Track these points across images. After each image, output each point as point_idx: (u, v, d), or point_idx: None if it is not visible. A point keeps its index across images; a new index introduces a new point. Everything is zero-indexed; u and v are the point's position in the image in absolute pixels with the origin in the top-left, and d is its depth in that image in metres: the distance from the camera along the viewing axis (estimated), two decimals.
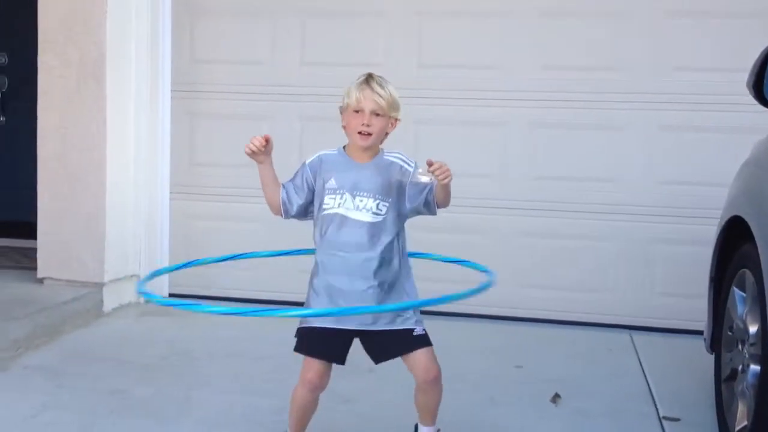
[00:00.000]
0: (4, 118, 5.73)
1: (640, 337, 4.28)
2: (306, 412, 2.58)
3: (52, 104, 4.44)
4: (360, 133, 2.45)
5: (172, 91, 4.80)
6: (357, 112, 2.45)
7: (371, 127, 2.44)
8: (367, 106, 2.43)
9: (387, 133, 2.52)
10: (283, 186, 2.54)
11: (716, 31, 4.30)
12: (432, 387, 2.53)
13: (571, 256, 4.51)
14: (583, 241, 4.51)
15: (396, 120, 2.51)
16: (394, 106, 2.47)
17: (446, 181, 2.36)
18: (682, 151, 4.36)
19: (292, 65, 4.76)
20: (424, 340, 2.51)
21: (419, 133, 4.51)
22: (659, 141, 4.39)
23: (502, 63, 4.53)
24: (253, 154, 2.47)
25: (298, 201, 2.52)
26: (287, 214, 2.55)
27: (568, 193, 4.49)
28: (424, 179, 2.45)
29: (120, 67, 4.51)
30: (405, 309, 2.49)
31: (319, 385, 2.51)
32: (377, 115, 2.44)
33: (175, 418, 3.04)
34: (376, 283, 2.46)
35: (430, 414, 2.61)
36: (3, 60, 5.71)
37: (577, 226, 4.51)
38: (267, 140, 2.47)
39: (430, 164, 2.35)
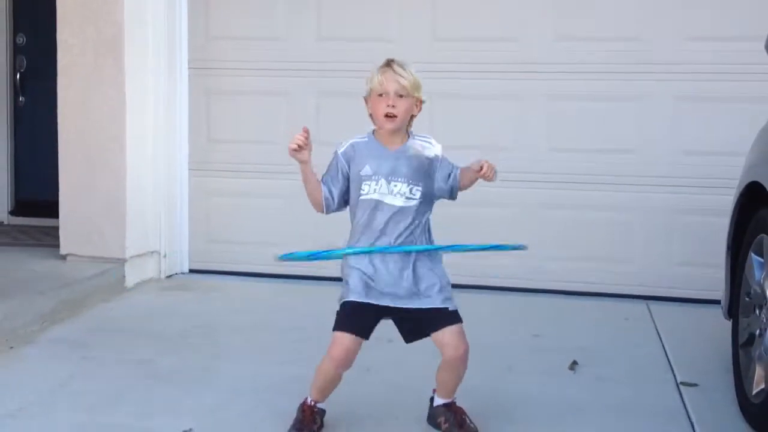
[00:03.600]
0: (24, 98, 5.78)
1: (657, 307, 4.30)
2: (329, 385, 2.63)
3: (71, 83, 4.48)
4: (386, 115, 2.51)
5: (189, 68, 4.83)
6: (381, 95, 2.52)
7: (396, 108, 2.50)
8: (391, 87, 2.50)
9: (413, 116, 2.59)
10: (323, 182, 2.60)
11: (734, 1, 4.28)
12: (460, 364, 2.58)
13: (589, 228, 4.53)
14: (601, 212, 4.53)
15: (420, 101, 2.58)
16: (416, 86, 2.54)
17: (489, 179, 2.50)
18: (700, 121, 4.35)
19: (308, 41, 4.77)
20: (455, 317, 2.56)
21: (434, 108, 4.45)
22: (678, 111, 4.38)
23: (517, 35, 4.53)
24: (297, 151, 2.51)
25: (337, 194, 2.59)
26: (329, 209, 2.62)
27: (586, 164, 4.50)
28: (448, 164, 2.61)
29: (137, 45, 4.54)
30: (442, 250, 2.61)
31: (346, 363, 2.55)
32: (401, 96, 2.51)
33: (199, 386, 3.10)
34: (408, 263, 2.52)
35: (450, 389, 2.67)
36: (21, 40, 5.75)
37: (596, 197, 4.52)
38: (307, 133, 2.52)
39: (479, 169, 2.48)
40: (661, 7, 4.38)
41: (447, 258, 2.69)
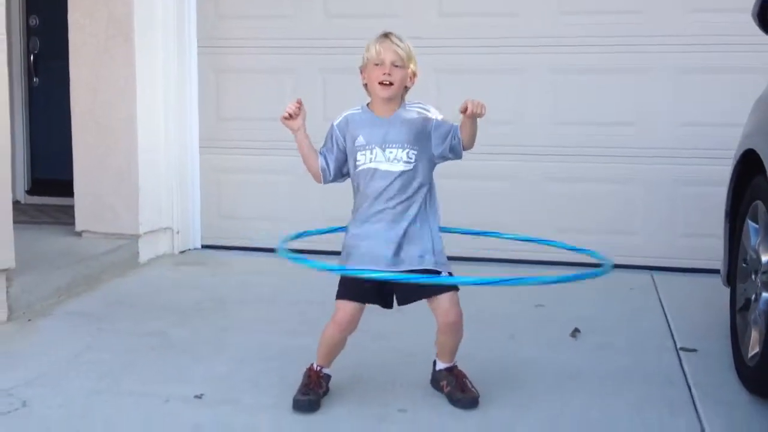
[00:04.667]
0: (38, 79, 5.88)
1: (661, 277, 4.36)
2: (333, 349, 2.72)
3: (83, 62, 4.57)
4: (381, 83, 2.57)
5: (198, 47, 4.91)
6: (377, 65, 2.58)
7: (392, 77, 2.57)
8: (388, 57, 2.56)
9: (407, 88, 2.65)
10: (320, 153, 2.68)
11: None
12: (451, 329, 2.66)
13: (593, 200, 4.58)
14: (606, 184, 4.58)
15: (414, 74, 2.63)
16: (411, 58, 2.60)
17: (483, 113, 2.49)
18: (702, 93, 4.38)
19: (315, 18, 4.83)
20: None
21: (441, 82, 4.58)
22: (680, 84, 4.42)
23: (521, 9, 4.57)
24: (288, 120, 2.60)
25: (333, 165, 2.67)
26: (326, 180, 2.70)
27: (590, 137, 4.55)
28: (445, 125, 2.62)
29: (147, 25, 4.62)
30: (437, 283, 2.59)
31: (348, 327, 2.65)
32: (396, 66, 2.57)
33: (209, 355, 3.20)
34: (402, 229, 2.58)
35: (448, 353, 2.75)
36: (34, 22, 5.84)
37: (600, 170, 4.58)
38: (299, 103, 2.61)
39: (464, 109, 2.49)
40: None
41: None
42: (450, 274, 2.64)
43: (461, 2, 4.65)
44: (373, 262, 2.58)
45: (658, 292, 4.11)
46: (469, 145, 2.62)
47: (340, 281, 2.65)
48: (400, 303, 2.71)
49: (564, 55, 4.53)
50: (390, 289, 2.65)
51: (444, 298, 2.60)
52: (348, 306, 2.61)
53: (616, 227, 4.58)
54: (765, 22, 2.76)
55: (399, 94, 2.63)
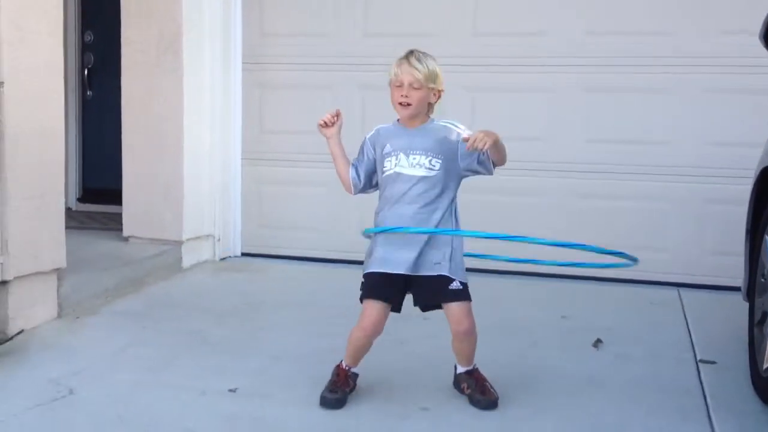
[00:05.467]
0: (91, 93, 6.16)
1: (688, 294, 4.43)
2: (359, 351, 2.87)
3: (135, 77, 4.81)
4: (401, 104, 2.73)
5: (243, 63, 5.13)
6: (397, 86, 2.73)
7: (409, 98, 2.72)
8: (405, 79, 2.71)
9: (431, 104, 2.79)
10: (353, 165, 2.85)
11: None
12: (464, 337, 2.81)
13: (622, 217, 4.68)
14: (634, 201, 4.67)
15: (438, 91, 2.76)
16: (431, 78, 2.72)
17: (486, 147, 2.60)
18: (730, 112, 4.47)
19: (354, 37, 5.02)
20: (460, 295, 2.76)
21: (475, 101, 4.74)
22: (707, 103, 4.51)
23: (551, 29, 4.70)
24: (324, 127, 2.80)
25: (364, 176, 2.84)
26: (356, 190, 2.87)
27: (619, 155, 4.65)
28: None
29: (195, 42, 4.85)
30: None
31: (374, 331, 2.80)
32: (415, 88, 2.70)
33: (245, 353, 3.38)
34: (426, 236, 2.72)
35: (465, 358, 2.90)
36: (89, 38, 6.12)
37: (629, 187, 4.67)
38: (338, 114, 2.80)
39: (465, 140, 2.61)
40: (689, 1, 4.51)
41: (488, 243, 2.86)
42: (464, 284, 2.77)
43: (494, 22, 4.80)
44: (394, 264, 2.72)
45: (683, 308, 4.18)
46: (499, 163, 2.75)
47: (363, 283, 2.80)
48: (422, 309, 2.86)
49: (593, 75, 4.65)
50: (406, 291, 2.79)
51: (457, 308, 2.75)
52: (372, 307, 2.76)
53: (644, 243, 4.64)
54: None
55: (421, 111, 2.77)
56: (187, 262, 4.86)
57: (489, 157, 2.72)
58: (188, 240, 4.88)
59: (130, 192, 4.90)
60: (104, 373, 3.13)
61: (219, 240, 5.13)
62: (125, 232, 4.91)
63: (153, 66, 4.78)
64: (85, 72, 6.13)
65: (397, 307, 2.82)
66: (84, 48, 6.14)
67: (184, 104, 4.79)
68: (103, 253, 4.59)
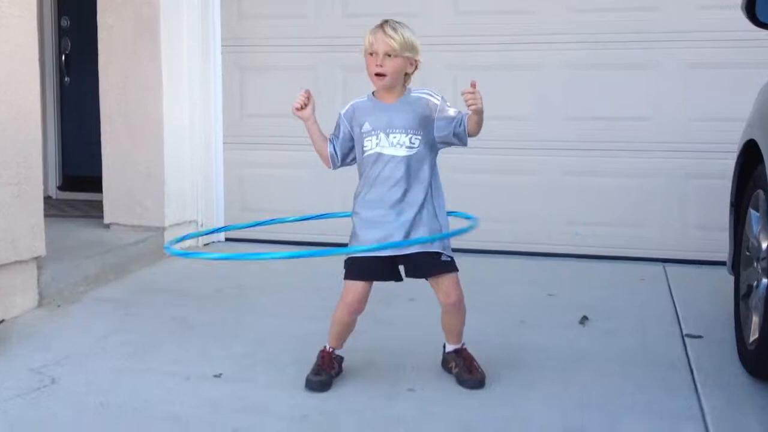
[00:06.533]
0: (69, 79, 6.08)
1: (673, 269, 4.44)
2: (343, 330, 2.84)
3: (112, 61, 4.75)
4: (377, 74, 2.67)
5: (222, 45, 5.07)
6: (371, 54, 2.67)
7: (384, 68, 2.65)
8: (380, 48, 2.64)
9: (407, 74, 2.72)
10: (330, 140, 2.81)
11: None
12: (453, 310, 2.78)
13: (607, 194, 4.67)
14: (619, 178, 4.67)
15: (415, 60, 2.70)
16: (406, 47, 2.65)
17: (474, 107, 2.57)
18: (713, 87, 4.46)
19: (334, 18, 4.97)
20: (448, 266, 2.73)
21: (457, 79, 4.67)
22: (691, 79, 4.50)
23: (535, 7, 4.67)
24: (299, 111, 2.75)
25: (340, 151, 2.80)
26: (335, 166, 2.84)
27: (603, 132, 4.64)
28: (451, 112, 2.70)
29: (173, 25, 4.78)
30: (430, 241, 2.69)
31: (357, 308, 2.77)
32: (389, 56, 2.64)
33: (229, 337, 3.35)
34: (409, 213, 2.69)
35: (454, 334, 2.87)
36: (66, 23, 6.04)
37: (613, 163, 4.66)
38: (308, 95, 2.75)
39: (464, 92, 2.58)
40: None
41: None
42: (451, 257, 2.75)
43: (477, 1, 4.76)
44: (379, 247, 2.67)
45: (668, 283, 4.19)
46: (475, 133, 2.70)
47: (347, 262, 2.77)
48: (406, 275, 2.79)
49: (577, 52, 4.63)
50: (398, 263, 2.76)
51: (445, 280, 2.72)
52: (355, 286, 2.73)
53: (629, 220, 4.66)
54: (753, 15, 2.84)
55: (397, 82, 2.70)
56: None
57: (465, 129, 2.67)
58: (171, 226, 4.83)
59: (111, 179, 4.84)
60: (87, 361, 3.08)
61: (202, 226, 5.09)
62: (106, 220, 4.85)
63: (130, 51, 4.72)
64: (63, 58, 6.05)
65: (386, 277, 2.75)
66: (61, 33, 6.07)
67: (163, 89, 4.72)
68: (84, 241, 4.54)
